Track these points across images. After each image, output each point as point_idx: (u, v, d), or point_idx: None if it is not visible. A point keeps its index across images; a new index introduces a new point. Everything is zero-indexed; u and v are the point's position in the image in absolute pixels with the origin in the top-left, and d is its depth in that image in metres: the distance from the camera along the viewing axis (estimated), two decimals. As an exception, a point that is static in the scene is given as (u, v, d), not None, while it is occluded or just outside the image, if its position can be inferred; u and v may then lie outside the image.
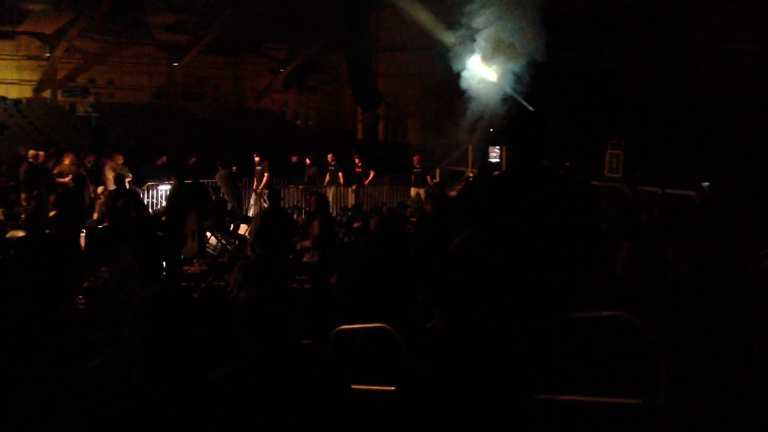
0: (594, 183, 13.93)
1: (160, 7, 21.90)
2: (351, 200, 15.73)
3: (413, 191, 16.38)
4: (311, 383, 2.18)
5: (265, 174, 15.14)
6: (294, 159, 18.63)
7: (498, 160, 18.63)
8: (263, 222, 8.52)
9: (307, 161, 16.67)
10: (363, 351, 5.30)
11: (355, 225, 12.51)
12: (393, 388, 3.03)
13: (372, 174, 16.54)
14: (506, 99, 16.97)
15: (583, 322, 2.95)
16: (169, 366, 1.71)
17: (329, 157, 16.31)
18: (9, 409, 2.45)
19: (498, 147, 18.87)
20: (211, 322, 2.81)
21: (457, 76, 18.12)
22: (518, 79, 16.83)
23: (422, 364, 2.23)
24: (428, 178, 16.48)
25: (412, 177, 16.65)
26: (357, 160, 16.85)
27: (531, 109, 15.91)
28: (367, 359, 4.93)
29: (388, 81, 25.40)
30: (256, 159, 15.37)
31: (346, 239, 12.15)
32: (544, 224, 2.95)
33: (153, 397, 1.68)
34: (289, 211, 13.47)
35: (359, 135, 28.96)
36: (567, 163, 13.17)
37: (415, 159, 16.56)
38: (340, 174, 15.99)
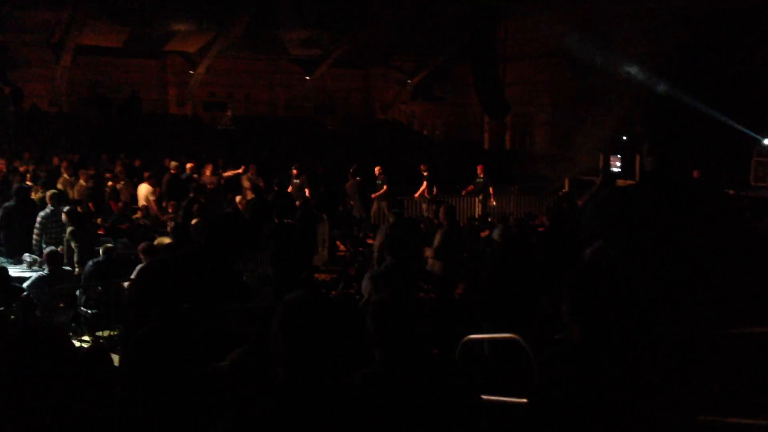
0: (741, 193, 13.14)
1: (294, 23, 22.76)
2: (478, 210, 15.66)
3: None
4: (441, 391, 2.19)
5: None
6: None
7: (620, 170, 17.94)
8: (391, 232, 8.64)
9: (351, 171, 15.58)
10: (491, 361, 5.28)
11: (482, 234, 12.44)
12: (524, 400, 3.01)
13: (386, 188, 15.30)
14: (643, 105, 16.28)
15: (739, 338, 2.80)
16: (313, 367, 1.79)
17: (377, 170, 15.13)
18: (156, 406, 2.61)
19: (620, 155, 18.16)
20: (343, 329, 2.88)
21: (588, 83, 17.63)
22: (657, 83, 16.11)
23: (555, 378, 2.20)
24: (490, 189, 15.72)
25: (470, 187, 15.87)
26: (378, 172, 15.19)
27: (674, 114, 15.17)
28: (496, 370, 4.90)
29: (515, 90, 25.08)
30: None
31: (472, 249, 12.11)
32: (686, 236, 2.83)
33: (298, 396, 1.76)
34: (417, 220, 13.56)
35: (486, 144, 28.79)
36: (696, 173, 12.43)
37: (479, 168, 15.87)
38: (385, 187, 14.78)
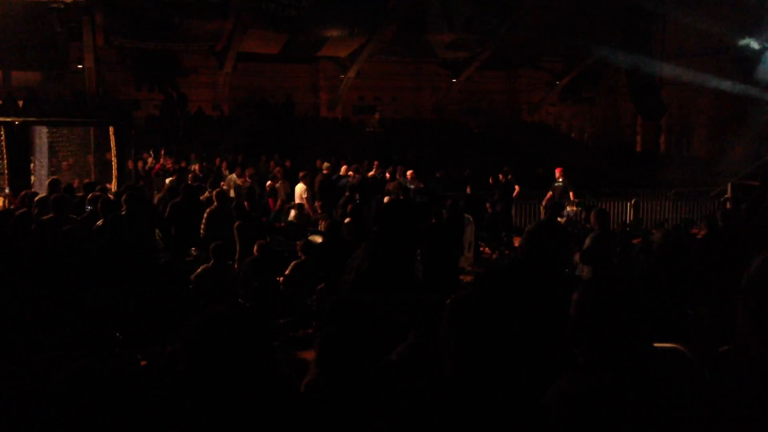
0: None
1: (442, 26, 22.91)
2: (630, 215, 15.06)
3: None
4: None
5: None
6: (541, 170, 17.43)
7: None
8: (535, 234, 8.51)
9: (386, 175, 14.95)
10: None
11: (634, 241, 11.95)
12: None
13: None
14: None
15: None
16: (483, 364, 1.82)
17: (409, 173, 14.60)
18: (340, 398, 2.73)
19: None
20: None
21: (755, 82, 16.46)
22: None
23: (727, 394, 2.08)
24: (571, 194, 14.44)
25: (550, 193, 14.45)
26: (410, 176, 14.50)
27: None
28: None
29: (672, 90, 23.83)
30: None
31: (623, 255, 11.66)
32: None
33: (466, 392, 1.80)
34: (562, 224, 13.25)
35: (638, 147, 27.59)
36: None
37: (558, 171, 14.56)
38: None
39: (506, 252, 12.73)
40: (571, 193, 14.55)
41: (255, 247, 8.56)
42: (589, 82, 28.75)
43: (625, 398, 1.97)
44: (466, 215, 11.78)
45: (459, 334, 1.83)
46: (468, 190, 13.72)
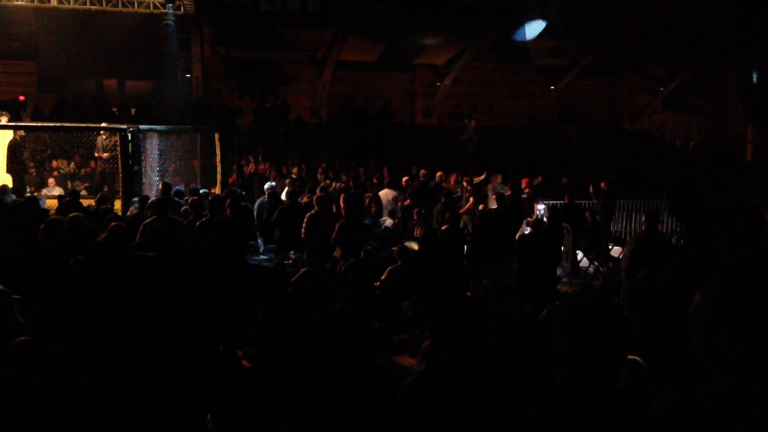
0: None
1: (541, 32, 22.52)
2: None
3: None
4: None
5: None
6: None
7: None
8: (638, 246, 8.26)
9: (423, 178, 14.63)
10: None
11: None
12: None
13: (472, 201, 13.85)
14: None
15: None
16: (594, 371, 1.79)
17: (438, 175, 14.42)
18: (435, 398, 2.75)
19: None
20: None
21: None
22: None
23: None
24: (535, 205, 13.79)
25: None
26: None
27: None
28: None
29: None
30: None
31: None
32: None
33: (578, 400, 1.78)
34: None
35: (748, 156, 26.27)
36: None
37: (524, 182, 13.96)
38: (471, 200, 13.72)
39: (604, 262, 12.39)
40: (535, 205, 14.04)
41: (362, 253, 8.67)
42: (695, 89, 27.60)
43: (742, 416, 1.85)
44: (564, 224, 11.56)
45: (572, 340, 1.80)
46: (566, 199, 13.45)
